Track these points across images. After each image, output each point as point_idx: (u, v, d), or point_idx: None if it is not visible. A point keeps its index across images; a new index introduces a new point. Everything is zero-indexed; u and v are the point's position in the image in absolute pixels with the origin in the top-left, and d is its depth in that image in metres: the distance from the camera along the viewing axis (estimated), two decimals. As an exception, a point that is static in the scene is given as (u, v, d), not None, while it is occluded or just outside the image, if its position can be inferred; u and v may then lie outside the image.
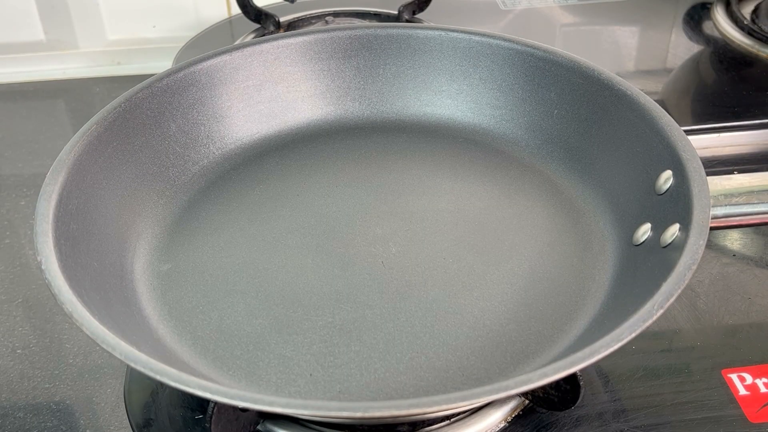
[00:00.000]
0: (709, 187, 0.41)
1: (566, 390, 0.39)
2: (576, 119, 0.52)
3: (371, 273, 0.46)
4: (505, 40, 0.54)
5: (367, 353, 0.41)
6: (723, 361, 0.44)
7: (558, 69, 0.52)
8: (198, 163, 0.53)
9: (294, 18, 0.76)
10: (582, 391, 0.39)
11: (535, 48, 0.53)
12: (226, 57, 0.54)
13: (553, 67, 0.52)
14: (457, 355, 0.41)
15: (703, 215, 0.39)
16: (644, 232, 0.44)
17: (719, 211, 0.43)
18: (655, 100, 0.47)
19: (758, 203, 0.43)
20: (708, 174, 0.41)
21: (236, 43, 0.69)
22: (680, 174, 0.42)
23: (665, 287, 0.35)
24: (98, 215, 0.45)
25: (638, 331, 0.34)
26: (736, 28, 0.76)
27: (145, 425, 0.42)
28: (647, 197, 0.45)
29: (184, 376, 0.32)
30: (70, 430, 0.42)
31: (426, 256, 0.47)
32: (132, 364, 0.33)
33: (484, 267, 0.46)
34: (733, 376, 0.44)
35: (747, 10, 0.78)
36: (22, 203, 0.58)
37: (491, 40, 0.54)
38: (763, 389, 0.43)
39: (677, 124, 0.45)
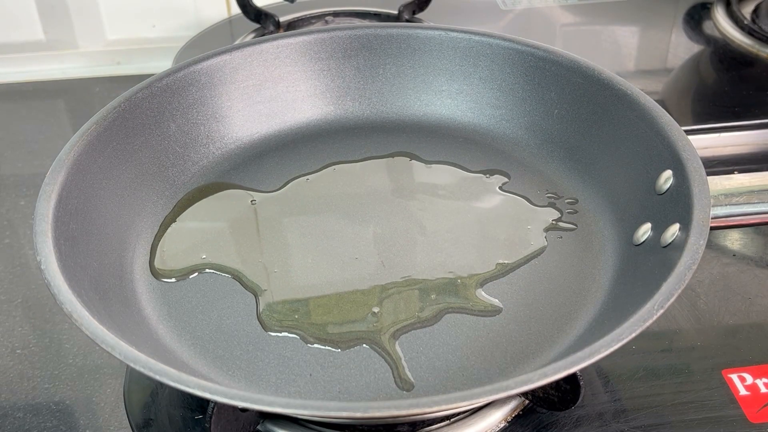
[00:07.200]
0: (710, 186, 0.41)
1: (566, 390, 0.39)
2: (576, 119, 0.52)
3: (371, 273, 0.46)
4: (505, 39, 0.54)
5: (367, 353, 0.41)
6: (723, 361, 0.44)
7: (558, 69, 0.52)
8: (198, 163, 0.53)
9: (294, 18, 0.76)
10: (582, 391, 0.39)
11: (535, 48, 0.53)
12: (226, 57, 0.54)
13: (553, 66, 0.52)
14: (457, 355, 0.41)
15: (703, 215, 0.39)
16: (644, 231, 0.44)
17: (719, 210, 0.43)
18: (655, 100, 0.47)
19: (758, 203, 0.43)
20: (708, 174, 0.41)
21: (236, 43, 0.69)
22: (680, 174, 0.42)
23: (665, 287, 0.35)
24: (98, 215, 0.45)
25: (638, 331, 0.34)
26: (737, 28, 0.76)
27: (144, 425, 0.42)
28: (647, 197, 0.45)
29: (184, 376, 0.32)
30: (69, 430, 0.42)
31: (426, 256, 0.47)
32: (131, 364, 0.33)
33: (484, 267, 0.46)
34: (734, 377, 0.43)
35: (747, 10, 0.78)
36: (22, 203, 0.58)
37: (491, 40, 0.54)
38: (763, 389, 0.43)
39: (677, 124, 0.45)
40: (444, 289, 0.45)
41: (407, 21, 0.74)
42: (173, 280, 0.46)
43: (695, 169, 0.41)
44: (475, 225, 0.49)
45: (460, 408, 0.40)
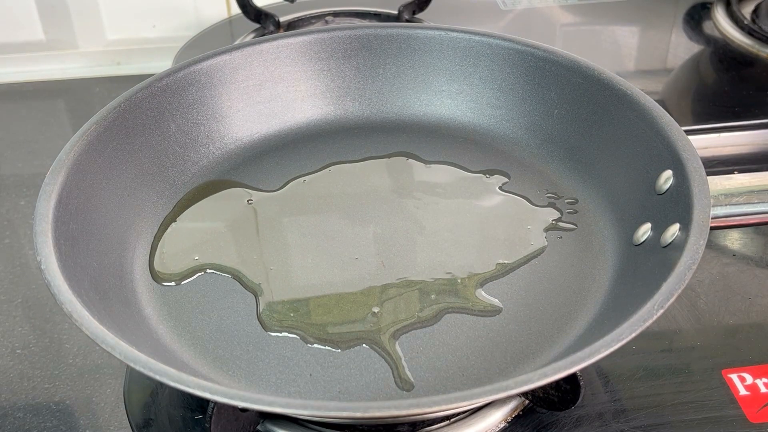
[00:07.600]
0: (710, 186, 0.41)
1: (566, 390, 0.39)
2: (576, 119, 0.52)
3: (371, 273, 0.46)
4: (505, 39, 0.54)
5: (367, 353, 0.41)
6: (723, 361, 0.44)
7: (558, 69, 0.52)
8: (198, 163, 0.53)
9: (294, 18, 0.76)
10: (582, 391, 0.39)
11: (535, 48, 0.53)
12: (225, 57, 0.54)
13: (553, 66, 0.52)
14: (456, 355, 0.41)
15: (703, 215, 0.39)
16: (644, 231, 0.44)
17: (719, 210, 0.43)
18: (655, 100, 0.47)
19: (758, 203, 0.43)
20: (708, 174, 0.41)
21: (236, 43, 0.69)
22: (680, 174, 0.42)
23: (665, 287, 0.35)
24: (98, 215, 0.45)
25: (638, 331, 0.34)
26: (737, 28, 0.76)
27: (144, 425, 0.42)
28: (647, 197, 0.45)
29: (184, 376, 0.32)
30: (69, 430, 0.42)
31: (426, 256, 0.47)
32: (131, 364, 0.33)
33: (484, 267, 0.46)
34: (734, 376, 0.43)
35: (747, 10, 0.78)
36: (22, 203, 0.58)
37: (491, 40, 0.54)
38: (763, 389, 0.43)
39: (677, 124, 0.45)
40: (444, 289, 0.45)
41: (407, 21, 0.74)
42: (173, 284, 0.46)
43: (695, 169, 0.41)
44: (475, 225, 0.49)
45: (460, 408, 0.40)
